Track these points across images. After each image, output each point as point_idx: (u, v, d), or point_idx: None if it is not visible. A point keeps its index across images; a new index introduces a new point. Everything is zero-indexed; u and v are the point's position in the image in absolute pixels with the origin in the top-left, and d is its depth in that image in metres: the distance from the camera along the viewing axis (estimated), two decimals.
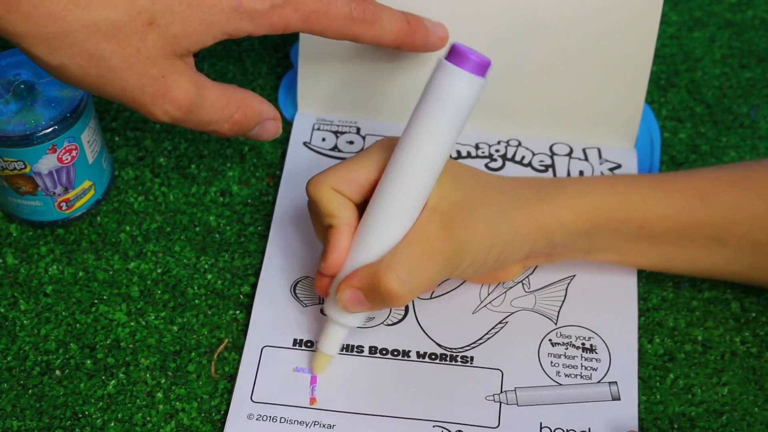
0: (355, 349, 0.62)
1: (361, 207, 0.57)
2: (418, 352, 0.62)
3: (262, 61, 0.76)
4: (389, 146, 0.57)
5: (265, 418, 0.59)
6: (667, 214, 0.59)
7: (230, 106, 0.57)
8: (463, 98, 0.53)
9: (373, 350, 0.62)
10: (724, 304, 0.65)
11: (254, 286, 0.65)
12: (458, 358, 0.61)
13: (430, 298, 0.64)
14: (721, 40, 0.78)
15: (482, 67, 0.53)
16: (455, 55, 0.53)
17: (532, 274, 0.65)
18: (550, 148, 0.70)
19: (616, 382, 0.60)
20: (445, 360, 0.61)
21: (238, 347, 0.63)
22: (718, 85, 0.76)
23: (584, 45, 0.66)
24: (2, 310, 0.64)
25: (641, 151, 0.71)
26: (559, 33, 0.65)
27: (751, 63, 0.77)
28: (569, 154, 0.70)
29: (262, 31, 0.56)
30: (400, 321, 0.63)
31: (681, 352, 0.63)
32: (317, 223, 0.60)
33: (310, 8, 0.56)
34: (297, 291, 0.64)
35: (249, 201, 0.69)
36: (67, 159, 0.64)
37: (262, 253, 0.66)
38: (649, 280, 0.65)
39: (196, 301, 0.65)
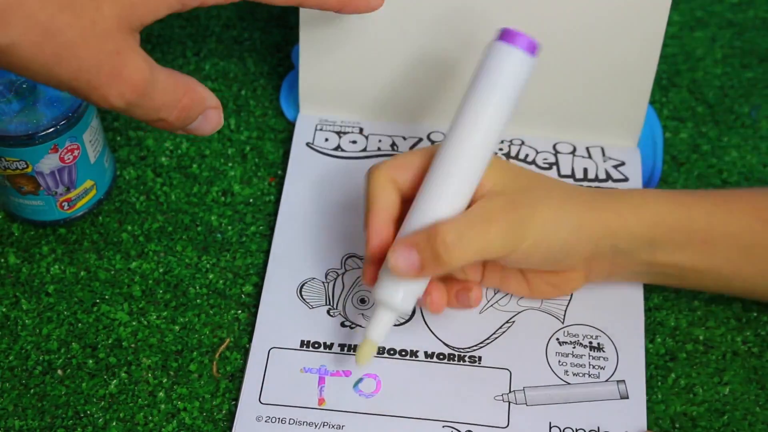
0: None
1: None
2: (425, 352, 0.62)
3: (263, 60, 0.77)
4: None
5: (273, 419, 0.59)
6: (729, 233, 0.58)
7: (178, 89, 0.53)
8: (517, 76, 0.54)
9: (380, 350, 0.62)
10: (725, 304, 0.65)
11: (256, 285, 0.65)
12: (466, 358, 0.61)
13: None
14: (722, 39, 0.78)
15: (533, 47, 0.55)
16: (507, 36, 0.54)
17: None
18: (554, 147, 0.70)
19: (624, 381, 0.60)
20: (453, 360, 0.61)
21: (239, 347, 0.63)
22: (719, 84, 0.76)
23: (589, 44, 0.66)
24: (4, 310, 0.64)
25: (644, 151, 0.71)
26: (565, 32, 0.65)
27: (752, 63, 0.77)
28: (572, 153, 0.70)
29: None
30: (407, 321, 0.63)
31: (682, 351, 0.63)
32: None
33: None
34: (303, 292, 0.64)
35: (251, 201, 0.69)
36: (68, 159, 0.64)
37: (264, 252, 0.67)
38: None
39: (198, 300, 0.65)
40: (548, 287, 0.62)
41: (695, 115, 0.74)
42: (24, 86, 0.63)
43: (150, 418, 0.60)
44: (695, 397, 0.61)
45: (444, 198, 0.55)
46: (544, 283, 0.62)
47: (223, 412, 0.60)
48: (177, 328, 0.63)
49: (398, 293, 0.56)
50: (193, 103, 0.53)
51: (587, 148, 0.70)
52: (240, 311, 0.64)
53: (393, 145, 0.70)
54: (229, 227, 0.68)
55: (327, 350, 0.62)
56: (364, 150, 0.70)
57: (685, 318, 0.64)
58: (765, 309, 0.64)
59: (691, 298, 0.65)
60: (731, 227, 0.59)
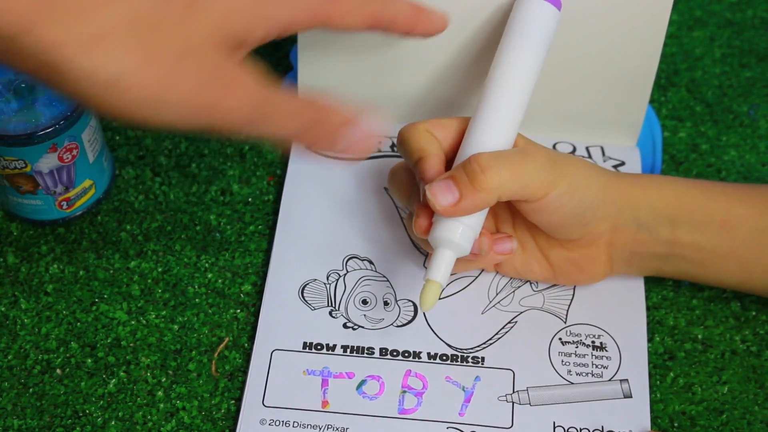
0: (366, 351, 0.62)
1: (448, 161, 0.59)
2: (428, 353, 0.62)
3: (262, 60, 0.76)
4: None
5: (277, 423, 0.59)
6: (749, 215, 0.59)
7: (299, 101, 0.51)
8: (546, 26, 0.59)
9: (383, 352, 0.62)
10: (724, 303, 0.65)
11: (255, 284, 0.65)
12: (469, 359, 0.61)
13: (439, 299, 0.64)
14: (721, 39, 0.78)
15: (558, 1, 0.60)
16: None
17: None
18: (554, 147, 0.70)
19: (627, 380, 0.60)
20: (456, 361, 0.61)
21: (238, 346, 0.63)
22: (718, 84, 0.76)
23: (590, 44, 0.66)
24: (3, 309, 0.64)
25: (643, 150, 0.71)
26: (565, 31, 0.65)
27: (751, 62, 0.77)
28: (572, 153, 0.70)
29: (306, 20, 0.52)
30: (410, 322, 0.63)
31: (681, 350, 0.63)
32: (403, 178, 0.60)
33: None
34: (305, 294, 0.64)
35: (249, 200, 0.69)
36: (67, 158, 0.64)
37: (263, 251, 0.67)
38: (649, 279, 0.65)
39: (197, 299, 0.65)
40: (571, 266, 0.62)
41: (694, 114, 0.74)
42: (23, 86, 0.63)
43: (149, 417, 0.60)
44: (694, 396, 0.61)
45: (491, 135, 0.57)
46: (567, 262, 0.61)
47: (222, 411, 0.60)
48: (176, 327, 0.63)
49: (457, 229, 0.55)
50: (319, 114, 0.51)
51: (587, 148, 0.70)
52: (239, 310, 0.64)
53: (393, 146, 0.70)
54: (228, 226, 0.68)
55: (330, 352, 0.62)
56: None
57: (684, 317, 0.64)
58: (764, 308, 0.64)
59: (690, 297, 0.65)
60: (750, 209, 0.59)
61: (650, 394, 0.61)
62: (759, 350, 0.63)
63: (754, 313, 0.64)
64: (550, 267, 0.62)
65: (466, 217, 0.55)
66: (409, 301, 0.64)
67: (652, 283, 0.65)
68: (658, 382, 0.62)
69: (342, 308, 0.63)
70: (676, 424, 0.60)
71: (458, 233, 0.55)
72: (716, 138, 0.73)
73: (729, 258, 0.60)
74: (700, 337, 0.63)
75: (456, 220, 0.55)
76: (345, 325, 0.63)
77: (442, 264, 0.56)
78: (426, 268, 0.56)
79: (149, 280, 0.65)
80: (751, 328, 0.64)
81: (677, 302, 0.65)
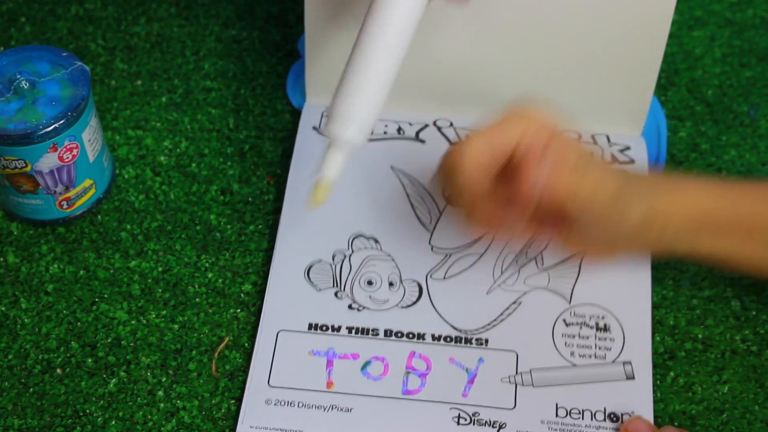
0: (371, 332, 0.62)
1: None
2: (433, 335, 0.62)
3: (262, 59, 0.77)
4: (523, 112, 0.58)
5: (282, 403, 0.59)
6: None
7: None
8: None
9: (388, 333, 0.62)
10: (724, 303, 0.65)
11: (255, 284, 0.65)
12: (473, 341, 0.61)
13: (444, 278, 0.64)
14: (721, 39, 0.78)
15: None
16: None
17: (545, 249, 0.65)
18: None
19: (630, 362, 0.60)
20: (460, 342, 0.61)
21: (238, 345, 0.63)
22: (718, 83, 0.76)
23: (596, 34, 0.66)
24: (3, 309, 0.64)
25: (648, 140, 0.71)
26: (572, 21, 0.65)
27: (751, 62, 0.77)
28: (578, 139, 0.70)
29: None
30: (414, 303, 0.63)
31: (681, 350, 0.63)
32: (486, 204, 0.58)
33: None
34: (310, 275, 0.64)
35: (249, 199, 0.69)
36: (68, 158, 0.64)
37: (263, 251, 0.67)
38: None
39: (197, 299, 0.65)
40: (598, 249, 0.62)
41: (694, 114, 0.74)
42: (23, 85, 0.63)
43: (149, 417, 0.60)
44: (694, 395, 0.61)
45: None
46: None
47: (222, 410, 0.60)
48: (176, 327, 0.63)
49: (351, 124, 0.56)
50: None
51: (592, 136, 0.70)
52: (239, 310, 0.64)
53: (399, 129, 0.70)
54: (228, 226, 0.68)
55: (335, 333, 0.62)
56: (371, 134, 0.70)
57: (684, 317, 0.64)
58: (764, 307, 0.64)
59: (690, 297, 0.65)
60: None
61: (653, 378, 0.61)
62: (759, 350, 0.63)
63: (754, 313, 0.64)
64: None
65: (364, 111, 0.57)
66: (414, 281, 0.64)
67: (653, 282, 0.65)
68: (659, 381, 0.61)
69: (347, 289, 0.64)
70: (676, 424, 0.60)
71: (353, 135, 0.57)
72: (716, 137, 0.73)
73: (749, 259, 0.60)
74: (700, 336, 0.63)
75: (352, 117, 0.57)
76: (350, 306, 0.63)
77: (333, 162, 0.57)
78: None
79: (149, 280, 0.65)
80: (751, 328, 0.64)
81: (677, 302, 0.65)
